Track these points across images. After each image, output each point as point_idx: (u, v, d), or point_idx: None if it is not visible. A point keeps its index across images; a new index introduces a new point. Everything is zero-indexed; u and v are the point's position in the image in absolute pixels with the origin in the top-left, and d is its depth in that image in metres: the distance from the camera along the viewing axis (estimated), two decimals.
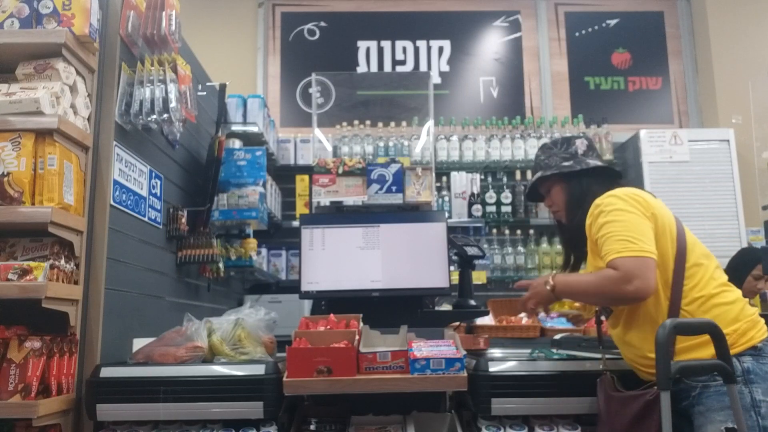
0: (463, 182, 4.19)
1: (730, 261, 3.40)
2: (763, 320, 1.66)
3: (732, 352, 1.54)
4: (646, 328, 1.66)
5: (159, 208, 2.47)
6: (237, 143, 3.38)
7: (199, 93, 2.88)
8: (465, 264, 2.55)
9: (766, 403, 1.54)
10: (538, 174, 1.96)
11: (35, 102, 1.81)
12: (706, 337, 1.53)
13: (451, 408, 2.14)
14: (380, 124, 4.23)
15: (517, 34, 4.85)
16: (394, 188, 3.05)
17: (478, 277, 3.91)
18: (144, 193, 2.33)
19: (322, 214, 3.03)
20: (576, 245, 1.89)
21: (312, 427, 1.95)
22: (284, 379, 1.75)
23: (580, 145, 1.91)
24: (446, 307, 2.91)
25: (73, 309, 1.88)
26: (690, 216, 3.98)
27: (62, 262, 1.85)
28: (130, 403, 1.77)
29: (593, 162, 1.88)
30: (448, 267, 2.40)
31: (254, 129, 3.53)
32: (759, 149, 4.29)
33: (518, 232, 4.15)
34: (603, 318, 1.95)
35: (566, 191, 1.89)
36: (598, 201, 1.75)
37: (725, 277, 1.72)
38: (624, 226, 1.65)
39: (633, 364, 1.75)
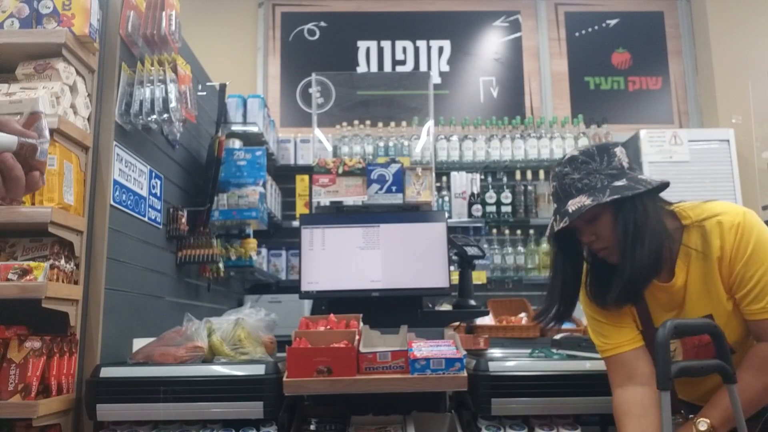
0: (463, 182, 4.19)
1: None
2: None
3: None
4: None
5: (159, 208, 2.47)
6: (237, 143, 3.38)
7: (199, 93, 2.88)
8: (465, 264, 2.55)
9: None
10: (586, 202, 1.43)
11: (35, 102, 1.81)
12: None
13: (451, 408, 2.14)
14: (380, 124, 4.23)
15: (517, 34, 4.85)
16: (394, 188, 3.05)
17: (478, 277, 3.91)
18: (144, 193, 2.33)
19: (322, 214, 3.03)
20: (636, 293, 1.49)
21: (312, 427, 1.95)
22: (284, 379, 1.75)
23: (622, 156, 1.49)
24: (446, 307, 2.91)
25: (73, 309, 1.88)
26: None
27: (62, 262, 1.85)
28: (130, 403, 1.77)
29: (648, 178, 1.46)
30: (448, 267, 2.40)
31: (254, 129, 3.53)
32: (759, 149, 4.28)
33: (518, 232, 4.15)
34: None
35: (622, 221, 1.44)
36: (747, 224, 1.40)
37: None
38: None
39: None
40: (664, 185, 1.50)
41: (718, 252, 1.43)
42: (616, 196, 1.42)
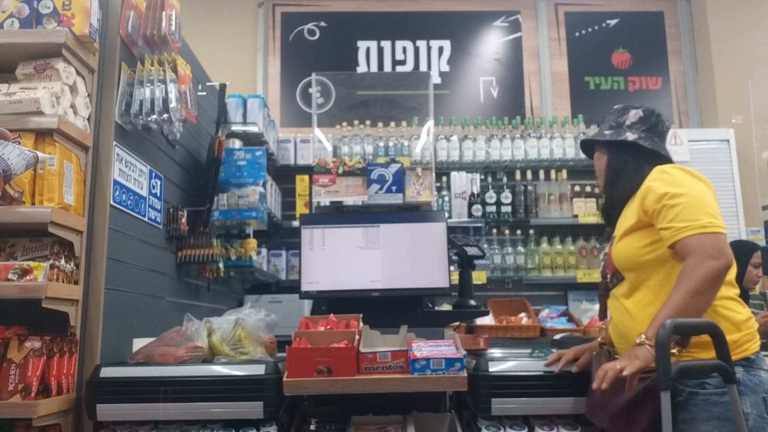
0: (463, 182, 4.19)
1: None
2: (758, 335, 1.62)
3: None
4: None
5: (159, 208, 2.47)
6: (237, 143, 3.38)
7: (199, 93, 2.88)
8: (465, 264, 2.55)
9: (754, 415, 1.50)
10: (588, 136, 1.90)
11: (35, 102, 1.81)
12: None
13: (451, 408, 2.15)
14: (380, 124, 4.22)
15: (517, 34, 4.85)
16: (394, 188, 3.04)
17: (478, 277, 3.91)
18: (144, 193, 2.33)
19: (322, 214, 3.03)
20: (609, 216, 1.83)
21: (312, 427, 1.95)
22: (284, 379, 1.75)
23: (632, 116, 1.81)
24: (446, 307, 2.91)
25: (73, 309, 1.88)
26: None
27: (62, 262, 1.85)
28: (130, 403, 1.77)
29: (633, 136, 1.77)
30: (448, 267, 2.40)
31: (254, 129, 3.53)
32: (759, 149, 4.29)
33: (518, 232, 4.15)
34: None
35: (606, 161, 1.82)
36: (662, 167, 1.68)
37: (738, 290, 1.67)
38: (697, 199, 1.58)
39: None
40: (655, 153, 1.76)
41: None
42: (590, 138, 1.87)
